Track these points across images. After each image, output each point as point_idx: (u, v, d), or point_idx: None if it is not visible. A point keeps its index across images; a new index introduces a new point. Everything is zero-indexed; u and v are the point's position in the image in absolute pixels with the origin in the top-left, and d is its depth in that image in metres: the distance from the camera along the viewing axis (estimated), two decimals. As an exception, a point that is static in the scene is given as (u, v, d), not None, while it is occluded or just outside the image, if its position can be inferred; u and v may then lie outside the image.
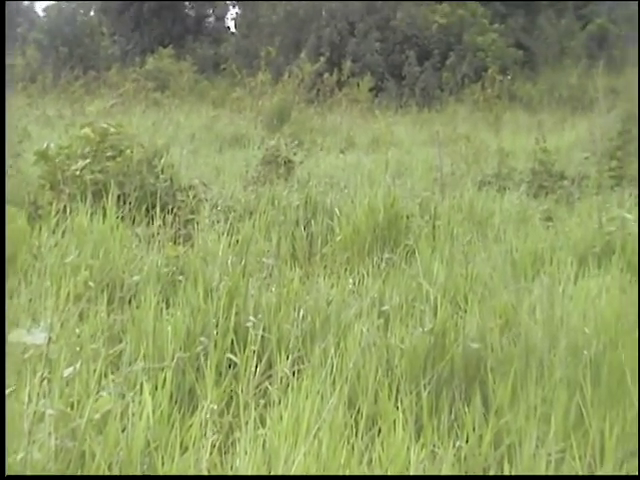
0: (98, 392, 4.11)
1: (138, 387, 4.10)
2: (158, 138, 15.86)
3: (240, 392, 4.31)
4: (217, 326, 4.94)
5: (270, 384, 4.48)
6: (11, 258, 6.43)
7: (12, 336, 3.90)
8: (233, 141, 17.80)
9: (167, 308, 5.29)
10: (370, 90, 25.80)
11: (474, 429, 4.11)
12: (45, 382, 3.77)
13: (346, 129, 19.70)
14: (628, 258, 6.75)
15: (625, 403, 4.14)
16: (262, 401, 4.31)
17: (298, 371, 4.59)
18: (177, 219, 7.76)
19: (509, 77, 26.27)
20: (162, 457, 3.64)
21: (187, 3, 41.66)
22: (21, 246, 6.62)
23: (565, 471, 3.81)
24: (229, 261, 6.16)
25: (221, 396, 4.38)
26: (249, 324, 4.94)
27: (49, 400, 3.75)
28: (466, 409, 4.22)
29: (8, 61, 30.81)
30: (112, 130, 8.61)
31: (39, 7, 44.33)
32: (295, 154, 12.12)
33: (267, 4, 32.95)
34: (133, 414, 3.91)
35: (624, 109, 13.12)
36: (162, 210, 7.64)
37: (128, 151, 8.42)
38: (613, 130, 12.46)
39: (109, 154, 8.33)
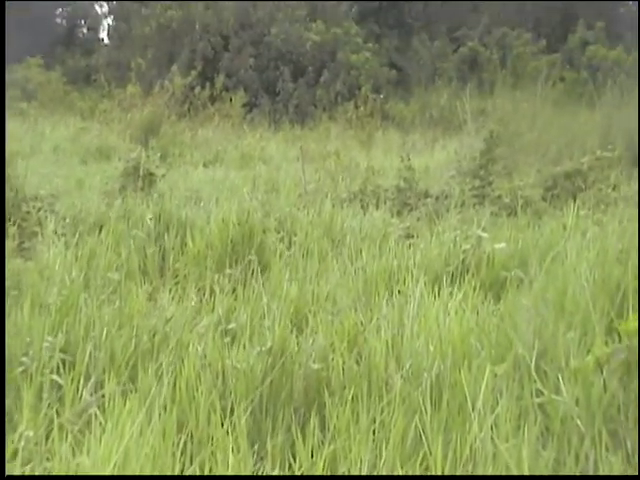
0: None
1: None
2: (18, 148, 15.46)
3: (59, 417, 4.01)
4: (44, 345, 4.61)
5: (98, 407, 4.19)
6: None
7: None
8: (98, 154, 17.36)
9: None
10: (243, 106, 25.61)
11: (312, 455, 3.91)
12: None
13: (216, 144, 19.46)
14: (482, 277, 6.69)
15: (465, 427, 3.99)
16: (85, 426, 4.01)
17: (130, 392, 4.31)
18: (20, 231, 7.38)
19: (382, 96, 26.42)
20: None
21: (58, 11, 40.76)
22: None
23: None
24: (69, 276, 5.84)
25: (41, 422, 4.05)
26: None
27: None
28: (303, 433, 4.01)
29: None
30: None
31: None
32: (157, 167, 11.77)
33: (140, 15, 32.44)
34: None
35: (489, 130, 13.24)
36: (5, 221, 7.26)
37: (-31, 159, 7.97)
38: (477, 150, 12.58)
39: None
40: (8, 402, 4.19)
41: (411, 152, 14.09)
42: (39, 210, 7.95)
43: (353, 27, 32.03)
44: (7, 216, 7.47)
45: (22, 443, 3.75)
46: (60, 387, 4.37)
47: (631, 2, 35.88)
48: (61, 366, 4.50)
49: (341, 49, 30.89)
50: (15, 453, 3.71)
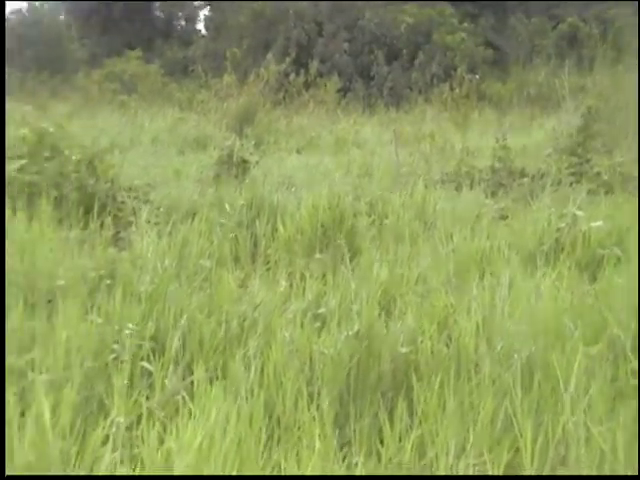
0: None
1: (37, 400, 3.84)
2: (117, 140, 15.74)
3: (148, 402, 4.06)
4: (134, 332, 4.67)
5: (186, 393, 4.22)
6: None
7: None
8: (195, 143, 17.52)
9: (86, 314, 5.02)
10: (338, 91, 25.56)
11: (400, 439, 3.87)
12: None
13: (311, 130, 19.46)
14: (577, 256, 6.54)
15: (557, 409, 3.90)
16: (173, 412, 4.05)
17: (217, 378, 4.34)
18: (116, 221, 7.50)
19: (478, 76, 26.08)
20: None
21: (157, 4, 41.36)
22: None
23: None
24: (162, 264, 5.91)
25: (131, 408, 4.10)
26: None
27: None
28: (390, 418, 3.97)
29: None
30: (51, 130, 8.31)
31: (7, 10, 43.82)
32: (251, 154, 11.83)
33: (235, 5, 32.67)
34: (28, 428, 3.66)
35: (587, 105, 12.94)
36: (101, 212, 7.39)
37: (67, 152, 8.14)
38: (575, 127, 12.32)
39: (47, 155, 8.04)
40: (100, 389, 4.26)
41: (508, 132, 13.84)
42: (134, 200, 8.07)
43: (448, 8, 31.66)
44: (103, 206, 7.60)
45: (113, 429, 3.80)
46: (150, 374, 4.42)
47: None
48: (151, 354, 4.54)
49: (436, 30, 30.59)
50: (106, 439, 3.76)
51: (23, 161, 7.89)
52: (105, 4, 38.64)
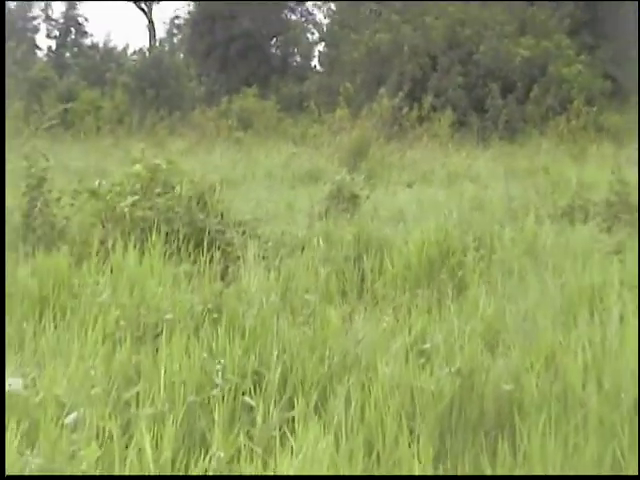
0: (99, 438, 3.94)
1: (139, 433, 3.90)
2: (230, 175, 16.02)
3: (249, 438, 4.07)
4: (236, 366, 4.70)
5: (287, 428, 4.22)
6: (45, 298, 6.37)
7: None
8: (308, 178, 17.67)
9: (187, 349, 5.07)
10: (451, 124, 25.43)
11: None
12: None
13: (424, 164, 19.41)
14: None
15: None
16: (275, 447, 4.05)
17: (317, 414, 4.33)
18: (225, 256, 7.60)
19: (595, 109, 25.64)
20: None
21: (273, 42, 42.05)
22: (60, 286, 6.59)
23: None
24: (268, 298, 5.94)
25: (232, 442, 4.12)
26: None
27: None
28: (491, 458, 3.89)
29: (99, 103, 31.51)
30: (164, 166, 8.50)
31: (130, 51, 45.20)
32: (361, 188, 11.85)
33: (350, 41, 32.93)
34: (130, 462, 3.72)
35: None
36: (210, 247, 7.50)
37: (178, 187, 8.30)
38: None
39: (158, 190, 8.22)
40: (201, 423, 4.29)
41: (626, 164, 13.52)
42: (243, 235, 8.16)
43: (564, 39, 31.21)
44: (212, 241, 7.72)
45: (212, 464, 3.83)
46: (251, 408, 4.43)
47: None
48: (252, 388, 4.56)
49: (552, 63, 30.16)
50: (205, 472, 3.79)
51: (136, 197, 8.07)
52: (223, 43, 39.49)
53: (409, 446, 3.99)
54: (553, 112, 27.13)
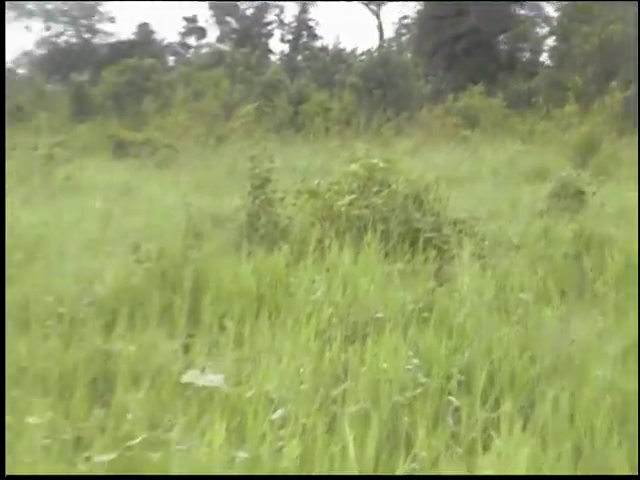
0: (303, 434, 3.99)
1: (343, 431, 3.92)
2: (455, 174, 15.92)
3: (453, 438, 4.01)
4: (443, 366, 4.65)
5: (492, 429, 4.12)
6: (262, 295, 6.52)
7: (186, 377, 3.90)
8: (534, 175, 17.28)
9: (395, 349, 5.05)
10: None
11: None
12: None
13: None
14: None
15: None
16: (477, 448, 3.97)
17: (524, 416, 4.20)
18: (440, 254, 7.54)
19: None
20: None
21: (501, 38, 41.43)
22: (277, 284, 6.72)
23: None
24: (481, 297, 5.85)
25: (436, 442, 4.06)
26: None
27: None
28: None
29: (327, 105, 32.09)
30: (381, 165, 8.54)
31: (358, 52, 45.97)
32: (588, 185, 11.46)
33: (581, 34, 31.90)
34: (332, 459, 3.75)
35: None
36: (426, 246, 7.46)
37: (394, 186, 8.31)
38: None
39: (375, 189, 8.26)
40: (405, 422, 4.25)
41: None
42: (459, 233, 8.06)
43: None
44: (428, 240, 7.68)
45: (415, 464, 3.79)
46: (457, 408, 4.36)
47: None
48: (458, 387, 4.49)
49: None
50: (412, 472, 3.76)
51: (353, 196, 8.15)
52: (450, 41, 39.33)
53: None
54: None
